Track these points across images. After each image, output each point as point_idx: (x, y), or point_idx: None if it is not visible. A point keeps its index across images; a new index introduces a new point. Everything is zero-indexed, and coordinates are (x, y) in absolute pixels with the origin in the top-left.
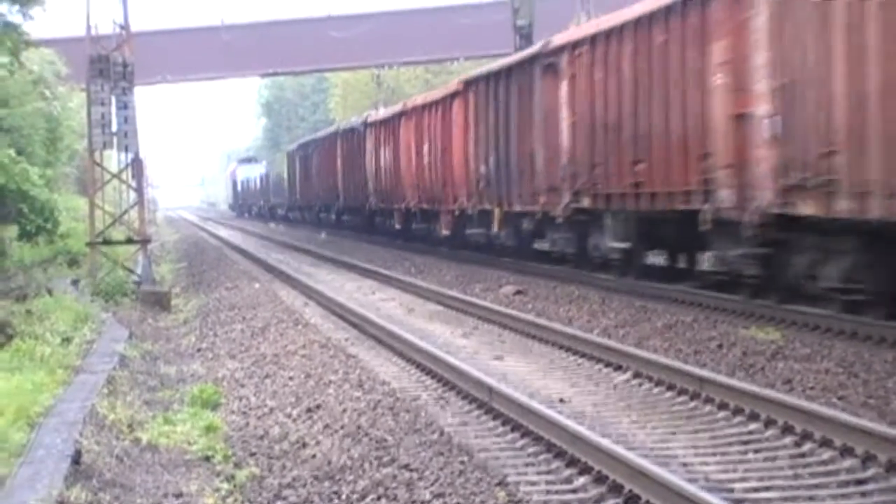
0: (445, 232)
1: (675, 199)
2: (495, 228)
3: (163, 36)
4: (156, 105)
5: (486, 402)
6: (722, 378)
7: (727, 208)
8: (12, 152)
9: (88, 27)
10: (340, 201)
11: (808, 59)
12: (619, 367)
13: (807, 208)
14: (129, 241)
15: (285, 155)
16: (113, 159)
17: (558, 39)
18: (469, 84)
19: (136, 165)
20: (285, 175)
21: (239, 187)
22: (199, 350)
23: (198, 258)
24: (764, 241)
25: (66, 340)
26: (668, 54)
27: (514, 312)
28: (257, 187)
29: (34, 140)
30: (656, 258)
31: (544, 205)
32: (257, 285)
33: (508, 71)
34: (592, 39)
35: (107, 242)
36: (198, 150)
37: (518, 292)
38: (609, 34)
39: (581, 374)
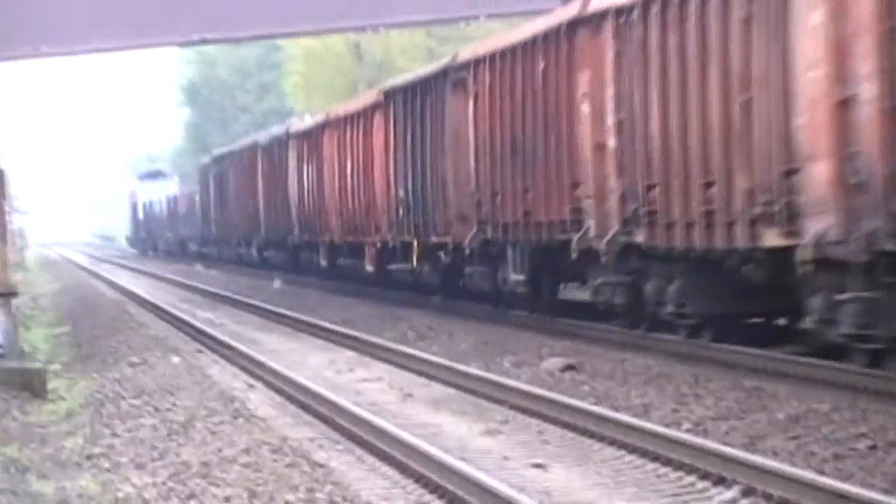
0: (370, 268)
1: (555, 229)
2: (414, 263)
3: None
4: (25, 90)
5: None
6: (876, 496)
7: (592, 238)
8: None
9: None
10: (262, 233)
11: (636, 99)
12: (720, 481)
13: (639, 237)
14: None
15: (197, 170)
16: None
17: (466, 53)
18: (389, 95)
19: None
20: (197, 198)
21: (140, 213)
22: (89, 457)
23: (87, 319)
24: (629, 270)
25: None
26: (547, 81)
27: (562, 398)
28: (164, 213)
29: None
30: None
31: (455, 235)
32: (176, 359)
33: (424, 83)
34: (491, 58)
35: None
36: (90, 158)
37: (568, 367)
38: (504, 54)
39: (664, 491)
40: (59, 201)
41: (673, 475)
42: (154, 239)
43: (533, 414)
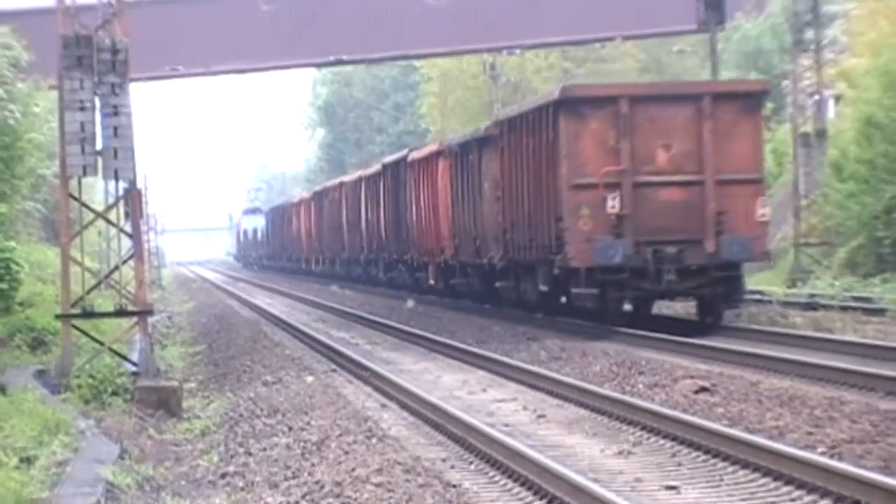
0: (315, 268)
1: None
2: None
3: (172, 7)
4: (161, 110)
5: None
6: None
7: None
8: None
9: None
10: (291, 254)
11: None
12: None
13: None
14: (121, 312)
15: (265, 213)
16: (98, 190)
17: (363, 172)
18: (316, 194)
19: (133, 199)
20: (263, 229)
21: (241, 238)
22: (223, 476)
23: (223, 338)
24: None
25: (27, 461)
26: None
27: (695, 420)
28: (252, 239)
29: None
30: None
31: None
32: (310, 378)
33: (347, 184)
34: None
35: (88, 315)
36: (225, 177)
37: (702, 389)
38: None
39: None
40: (195, 219)
41: (807, 498)
42: (247, 256)
43: (666, 436)
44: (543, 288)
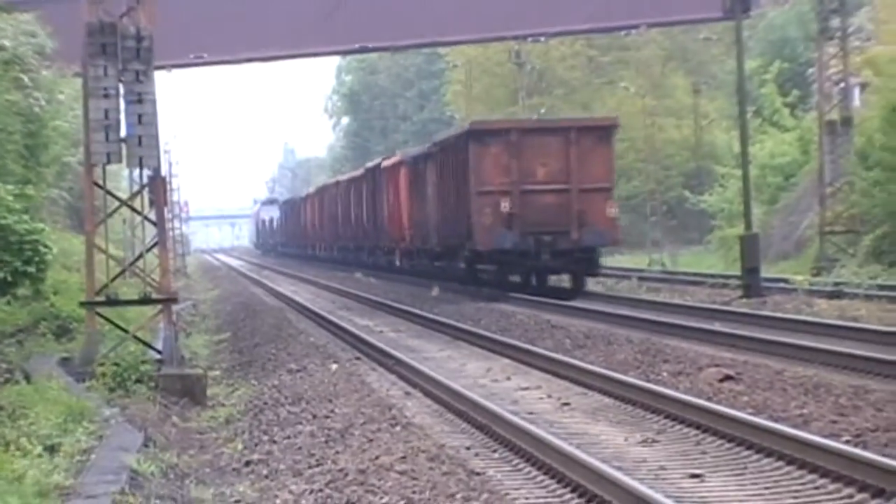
0: (319, 253)
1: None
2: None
3: None
4: (186, 97)
5: None
6: None
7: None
8: None
9: None
10: (298, 241)
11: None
12: (879, 493)
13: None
14: (146, 300)
15: (279, 204)
16: (123, 178)
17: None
18: (318, 189)
19: (157, 187)
20: (277, 219)
21: (259, 226)
22: (247, 463)
23: (247, 326)
24: None
25: (51, 449)
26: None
27: (720, 408)
28: (269, 227)
29: (6, 148)
30: None
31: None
32: (335, 366)
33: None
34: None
35: (112, 302)
36: (252, 165)
37: (727, 378)
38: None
39: (821, 503)
40: (221, 206)
41: (831, 487)
42: (265, 244)
43: (690, 424)
44: (461, 265)
